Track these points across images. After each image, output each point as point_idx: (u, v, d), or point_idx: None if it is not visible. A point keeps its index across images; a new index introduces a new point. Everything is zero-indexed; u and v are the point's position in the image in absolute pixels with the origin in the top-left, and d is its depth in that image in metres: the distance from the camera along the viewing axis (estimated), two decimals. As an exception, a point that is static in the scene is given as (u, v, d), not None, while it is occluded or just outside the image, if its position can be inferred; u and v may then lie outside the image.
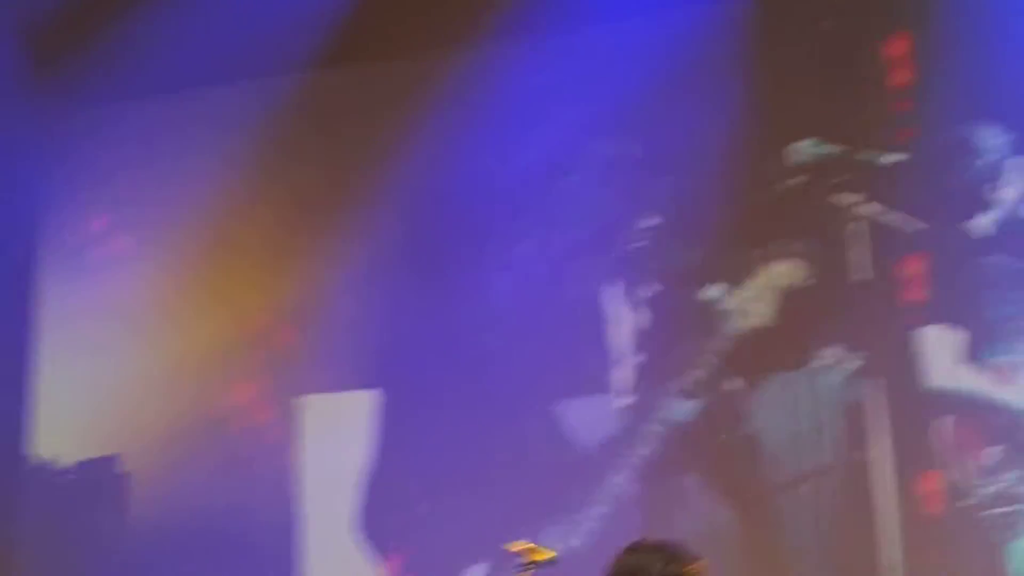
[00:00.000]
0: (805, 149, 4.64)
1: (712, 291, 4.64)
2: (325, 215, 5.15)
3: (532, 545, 2.66)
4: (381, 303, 5.07)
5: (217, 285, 5.22)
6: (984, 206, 4.37)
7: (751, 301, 4.60)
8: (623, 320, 4.80)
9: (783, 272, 4.58)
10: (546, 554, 2.70)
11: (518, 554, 2.65)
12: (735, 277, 4.63)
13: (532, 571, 2.64)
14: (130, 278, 5.31)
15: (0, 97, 5.42)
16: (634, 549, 2.87)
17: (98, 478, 5.27)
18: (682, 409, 4.57)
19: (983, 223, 4.37)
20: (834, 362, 4.41)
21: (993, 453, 4.17)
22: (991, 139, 4.47)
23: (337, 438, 4.99)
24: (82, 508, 5.31)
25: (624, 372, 4.73)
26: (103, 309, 5.29)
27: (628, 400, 4.68)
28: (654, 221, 4.79)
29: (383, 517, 4.85)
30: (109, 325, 5.25)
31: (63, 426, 5.36)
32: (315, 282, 5.13)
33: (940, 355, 4.31)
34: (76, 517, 5.30)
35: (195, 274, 5.23)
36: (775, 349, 4.52)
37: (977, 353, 4.30)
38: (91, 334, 5.25)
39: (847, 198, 4.55)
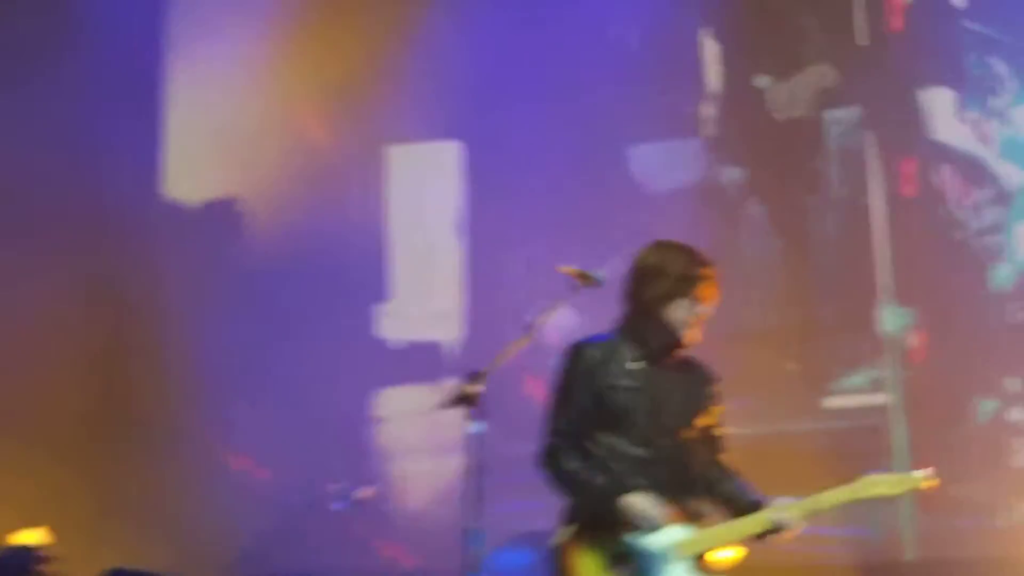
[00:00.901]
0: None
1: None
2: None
3: (580, 269, 2.97)
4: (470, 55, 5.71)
5: (326, 35, 5.91)
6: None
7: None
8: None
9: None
10: (595, 276, 3.00)
11: (569, 275, 2.99)
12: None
13: (580, 288, 2.94)
14: (251, 29, 6.07)
15: None
16: (658, 245, 3.08)
17: (221, 215, 6.28)
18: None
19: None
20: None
21: (981, 194, 4.93)
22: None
23: (423, 184, 5.96)
24: (207, 241, 6.34)
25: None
26: (228, 57, 6.08)
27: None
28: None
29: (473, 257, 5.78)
30: (232, 72, 6.07)
31: (190, 169, 6.34)
32: (411, 32, 5.84)
33: (934, 109, 5.01)
34: (202, 249, 6.33)
35: (305, 24, 5.94)
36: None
37: (962, 108, 5.03)
38: (216, 82, 6.11)
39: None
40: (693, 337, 2.98)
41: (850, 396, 5.05)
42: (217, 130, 6.12)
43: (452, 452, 3.48)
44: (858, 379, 5.03)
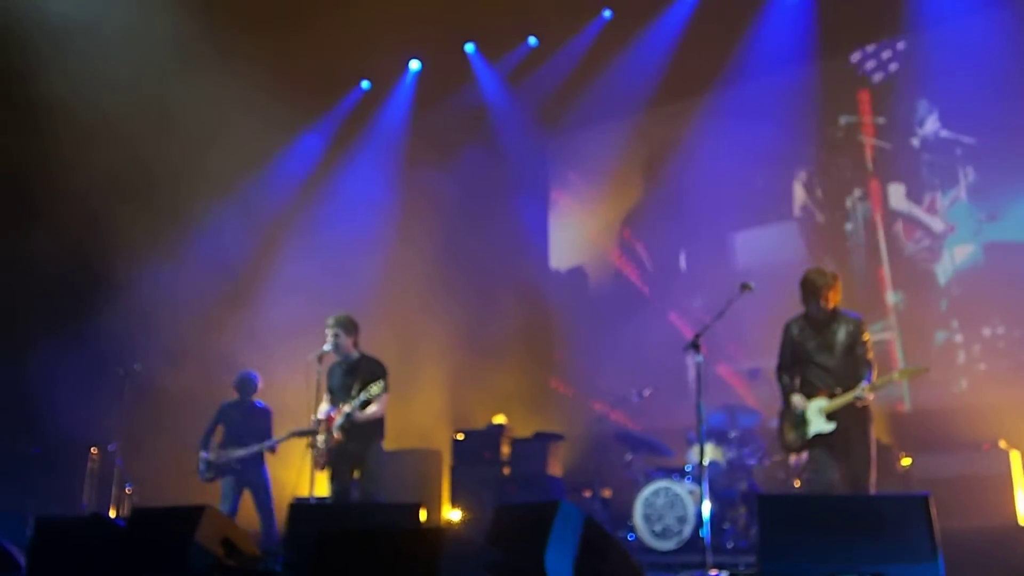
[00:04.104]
0: None
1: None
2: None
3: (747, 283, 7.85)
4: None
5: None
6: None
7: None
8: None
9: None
10: (751, 286, 7.93)
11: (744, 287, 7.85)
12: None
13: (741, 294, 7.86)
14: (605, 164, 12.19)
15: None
16: (809, 270, 6.21)
17: (576, 280, 12.23)
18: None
19: None
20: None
21: (919, 234, 9.86)
22: None
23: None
24: (572, 293, 12.30)
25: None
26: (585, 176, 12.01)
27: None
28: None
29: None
30: (582, 189, 12.17)
31: (561, 249, 12.44)
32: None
33: (895, 194, 10.03)
34: (568, 296, 12.33)
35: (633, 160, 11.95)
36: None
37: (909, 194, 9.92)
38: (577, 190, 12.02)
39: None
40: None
41: (876, 334, 10.04)
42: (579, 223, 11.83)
43: (689, 373, 8.66)
44: (878, 325, 10.03)
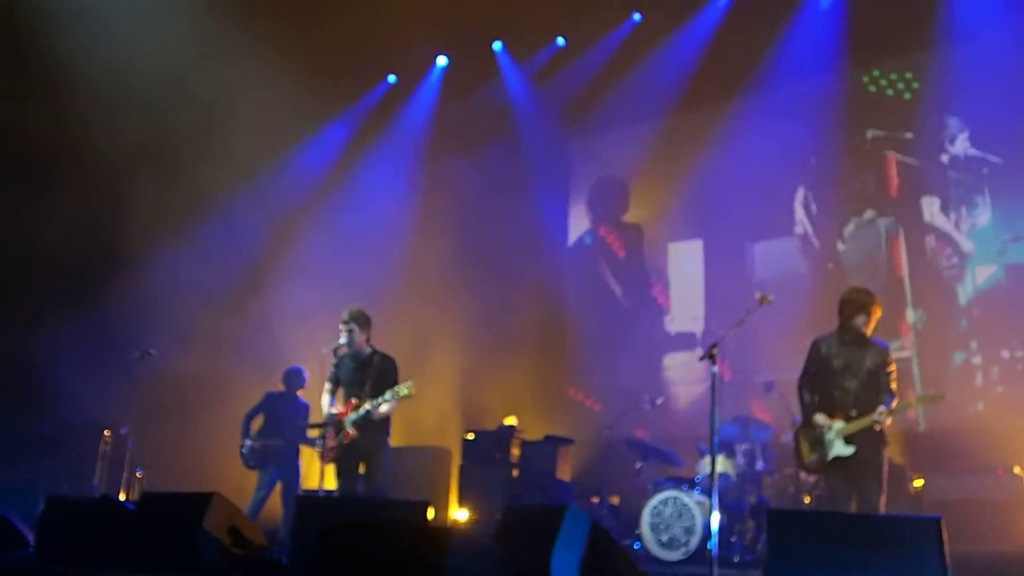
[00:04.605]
0: None
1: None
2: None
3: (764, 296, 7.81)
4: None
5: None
6: None
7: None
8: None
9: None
10: (770, 299, 7.88)
11: (760, 300, 7.81)
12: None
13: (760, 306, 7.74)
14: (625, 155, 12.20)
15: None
16: (851, 289, 6.22)
17: (594, 253, 12.22)
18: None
19: None
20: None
21: (949, 250, 9.79)
22: None
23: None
24: (583, 268, 12.27)
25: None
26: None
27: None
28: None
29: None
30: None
31: (577, 227, 12.42)
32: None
33: (928, 208, 10.01)
34: (581, 273, 12.25)
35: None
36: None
37: (942, 209, 9.90)
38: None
39: None
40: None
41: (894, 352, 9.93)
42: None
43: (702, 382, 8.66)
44: (896, 343, 9.94)
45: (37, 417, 9.27)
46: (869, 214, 10.44)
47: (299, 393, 9.03)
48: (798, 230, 10.81)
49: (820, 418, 6.19)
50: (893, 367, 6.21)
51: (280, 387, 9.04)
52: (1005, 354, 9.37)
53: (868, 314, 6.13)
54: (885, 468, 6.09)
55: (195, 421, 9.90)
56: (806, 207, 10.73)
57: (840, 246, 10.56)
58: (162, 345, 8.99)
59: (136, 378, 8.32)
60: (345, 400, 7.15)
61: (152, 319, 9.76)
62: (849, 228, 10.55)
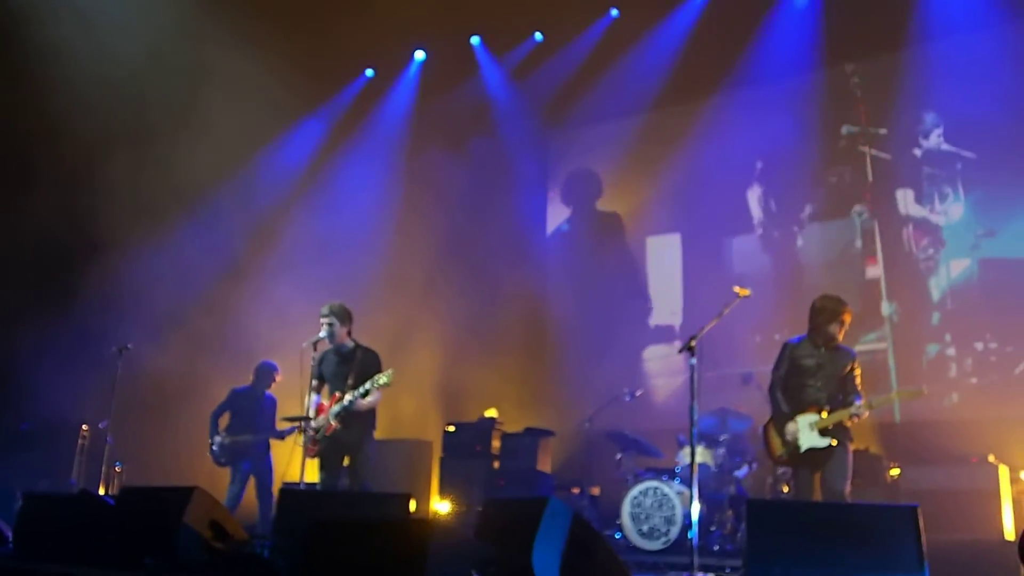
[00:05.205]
0: None
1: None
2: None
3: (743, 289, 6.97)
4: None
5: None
6: None
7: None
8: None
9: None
10: (748, 292, 6.75)
11: (739, 292, 6.48)
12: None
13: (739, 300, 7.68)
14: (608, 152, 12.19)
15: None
16: (824, 296, 6.29)
17: (566, 245, 12.24)
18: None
19: None
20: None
21: (926, 241, 9.86)
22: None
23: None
24: (561, 258, 12.30)
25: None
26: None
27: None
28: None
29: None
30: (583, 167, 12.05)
31: (556, 218, 12.37)
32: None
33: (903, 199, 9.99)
34: (563, 264, 12.26)
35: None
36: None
37: (916, 200, 9.92)
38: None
39: None
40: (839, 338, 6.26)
41: (870, 344, 10.09)
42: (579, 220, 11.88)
43: (681, 374, 8.73)
44: (872, 336, 10.06)
45: (13, 413, 9.17)
46: (845, 208, 10.53)
47: (270, 389, 8.96)
48: (773, 225, 10.90)
49: (790, 426, 6.31)
50: (859, 371, 6.40)
51: (247, 382, 9.00)
52: (979, 346, 9.51)
53: (841, 322, 6.30)
54: (850, 457, 6.22)
55: (172, 416, 9.84)
56: (781, 203, 10.82)
57: (813, 241, 10.65)
58: (139, 340, 8.93)
59: (114, 373, 8.24)
60: (330, 395, 7.14)
61: (130, 314, 9.69)
62: (823, 223, 10.64)
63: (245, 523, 7.14)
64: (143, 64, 9.72)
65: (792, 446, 6.25)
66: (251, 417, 8.80)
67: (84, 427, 9.12)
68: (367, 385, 6.89)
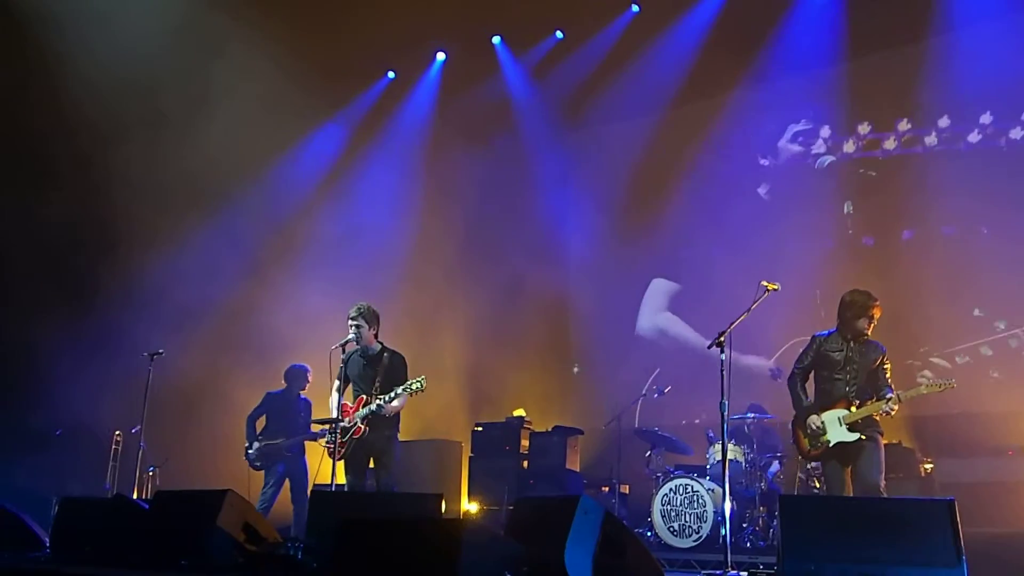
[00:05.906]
0: None
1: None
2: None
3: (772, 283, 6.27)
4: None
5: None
6: None
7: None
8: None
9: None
10: (777, 287, 6.37)
11: (767, 287, 6.26)
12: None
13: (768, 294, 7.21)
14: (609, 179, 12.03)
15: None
16: (854, 291, 6.23)
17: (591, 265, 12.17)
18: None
19: None
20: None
21: None
22: None
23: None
24: (587, 277, 12.20)
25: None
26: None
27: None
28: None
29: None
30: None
31: (583, 236, 12.32)
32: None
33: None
34: (585, 282, 12.14)
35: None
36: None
37: None
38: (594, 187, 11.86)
39: None
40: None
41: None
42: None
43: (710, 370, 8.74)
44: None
45: (47, 419, 9.25)
46: (874, 204, 10.44)
47: (301, 392, 9.01)
48: (803, 221, 10.81)
49: (813, 418, 6.30)
50: (889, 365, 6.36)
51: (280, 386, 9.04)
52: (1013, 343, 9.39)
53: (870, 317, 6.25)
54: (882, 452, 6.16)
55: (197, 418, 9.89)
56: (816, 198, 10.74)
57: (849, 237, 10.57)
58: (164, 341, 8.97)
59: (146, 379, 8.30)
60: (354, 397, 7.15)
61: (153, 314, 9.74)
62: (853, 217, 10.56)
63: (279, 526, 7.24)
64: (162, 64, 9.75)
65: (815, 439, 6.24)
66: (286, 420, 8.86)
67: (117, 433, 9.20)
68: (398, 390, 6.89)
